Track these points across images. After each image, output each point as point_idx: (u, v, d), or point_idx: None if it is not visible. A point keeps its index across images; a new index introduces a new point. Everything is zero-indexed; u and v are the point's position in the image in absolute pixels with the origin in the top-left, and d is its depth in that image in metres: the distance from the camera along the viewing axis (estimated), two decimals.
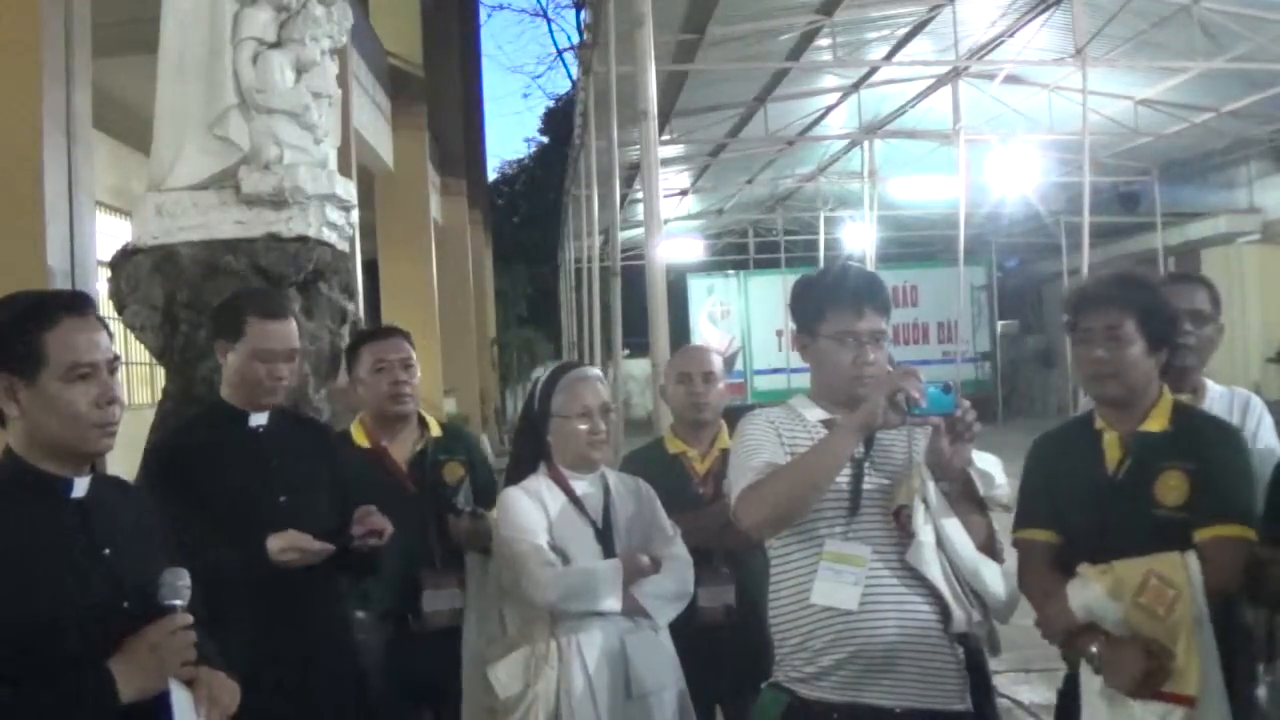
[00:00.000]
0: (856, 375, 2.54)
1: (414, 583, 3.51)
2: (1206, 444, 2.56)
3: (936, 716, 2.46)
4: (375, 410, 3.65)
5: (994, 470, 2.53)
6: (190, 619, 2.01)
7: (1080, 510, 2.58)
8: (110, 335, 2.09)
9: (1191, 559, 2.41)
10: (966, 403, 2.43)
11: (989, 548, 2.54)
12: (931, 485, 2.44)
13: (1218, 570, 2.40)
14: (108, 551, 2.04)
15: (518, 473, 3.16)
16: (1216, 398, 3.18)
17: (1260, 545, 2.43)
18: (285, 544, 2.95)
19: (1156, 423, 2.59)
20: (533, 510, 3.04)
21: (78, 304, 2.08)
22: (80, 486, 2.06)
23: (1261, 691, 2.50)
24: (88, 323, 2.05)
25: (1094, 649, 2.43)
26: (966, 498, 2.51)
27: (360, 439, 3.65)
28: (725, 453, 3.52)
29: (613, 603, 2.95)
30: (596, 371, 3.29)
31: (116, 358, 2.08)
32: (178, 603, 2.01)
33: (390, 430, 3.66)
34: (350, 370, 3.73)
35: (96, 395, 2.01)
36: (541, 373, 3.26)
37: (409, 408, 3.65)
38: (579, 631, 2.96)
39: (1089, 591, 2.43)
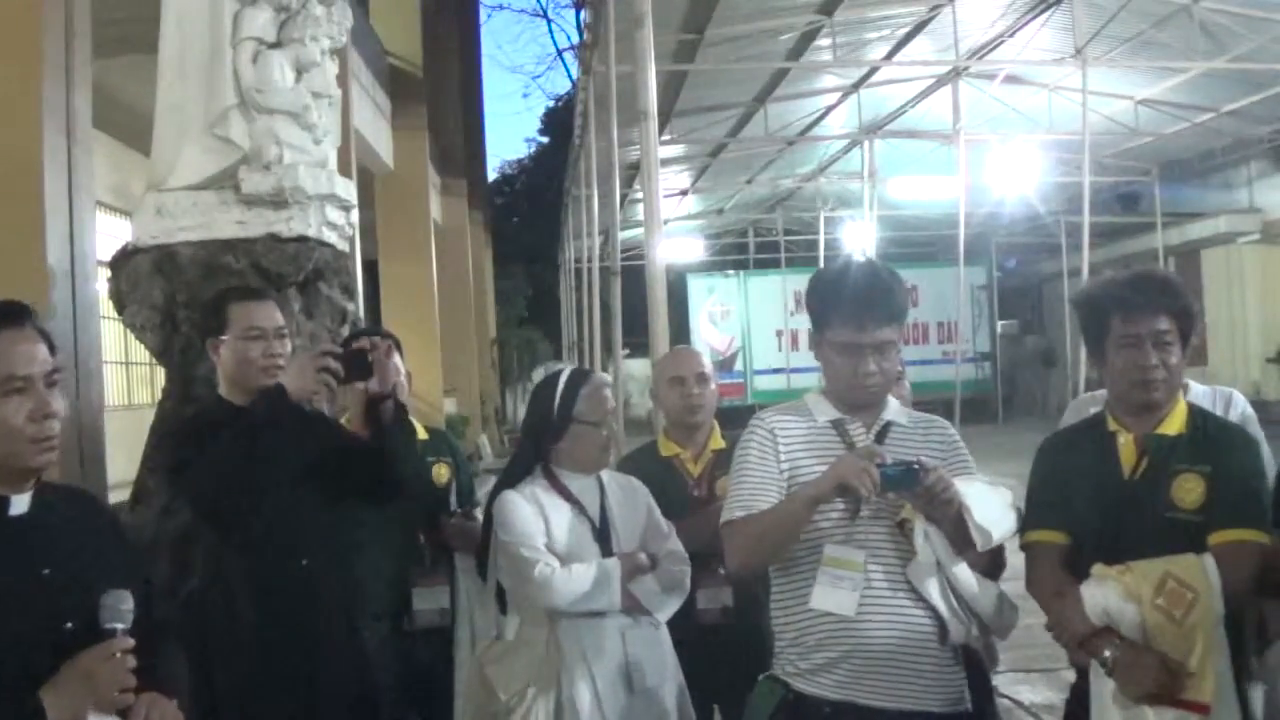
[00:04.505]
0: (855, 385, 2.54)
1: (406, 583, 3.54)
2: (1223, 448, 2.54)
3: (933, 718, 2.45)
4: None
5: (994, 527, 2.42)
6: (130, 643, 1.89)
7: (1094, 512, 2.56)
8: (52, 348, 2.01)
9: (1209, 561, 2.38)
10: (935, 475, 2.36)
11: (994, 563, 2.52)
12: (929, 527, 2.42)
13: (1232, 574, 2.37)
14: (47, 571, 1.94)
15: (513, 476, 3.16)
16: (1200, 396, 3.17)
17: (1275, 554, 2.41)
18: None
19: (1173, 425, 2.57)
20: (530, 513, 3.05)
21: (13, 315, 1.98)
22: (19, 504, 1.96)
23: (1255, 684, 2.48)
24: (24, 334, 1.96)
25: (1108, 654, 2.37)
26: (962, 541, 2.43)
27: None
28: (718, 454, 3.53)
29: (612, 601, 2.97)
30: (607, 377, 3.29)
31: (55, 370, 2.00)
32: (119, 626, 1.90)
33: None
34: None
35: (31, 409, 1.93)
36: (543, 375, 3.26)
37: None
38: (579, 630, 2.98)
39: (1106, 593, 2.39)
